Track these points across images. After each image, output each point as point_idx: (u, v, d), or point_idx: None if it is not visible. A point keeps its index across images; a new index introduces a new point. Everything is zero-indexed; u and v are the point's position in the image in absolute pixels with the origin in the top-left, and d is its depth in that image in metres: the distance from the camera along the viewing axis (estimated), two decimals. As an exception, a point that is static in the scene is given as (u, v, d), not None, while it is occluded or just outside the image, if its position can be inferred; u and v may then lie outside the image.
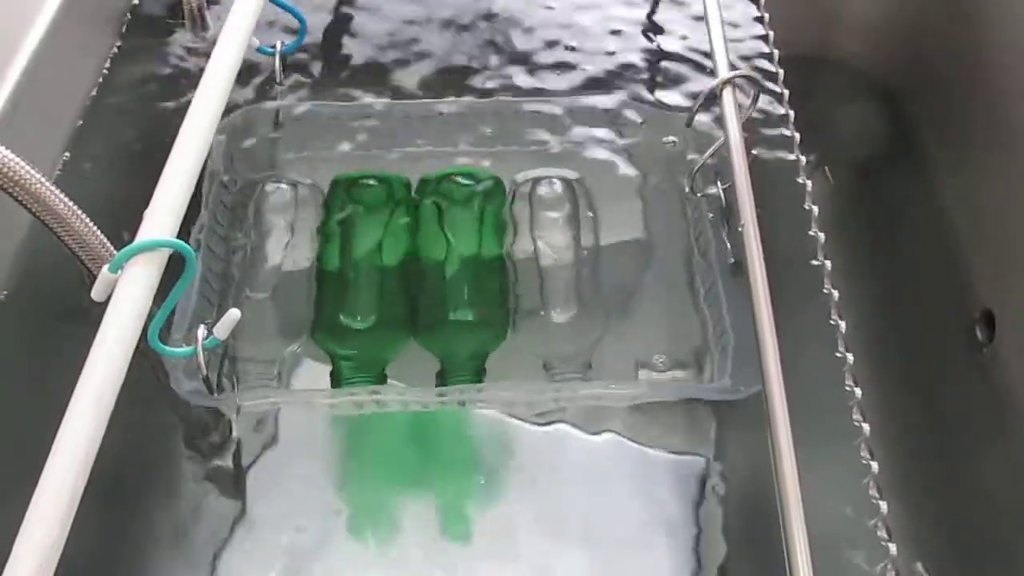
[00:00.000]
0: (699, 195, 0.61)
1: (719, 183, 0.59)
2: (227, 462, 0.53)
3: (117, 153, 0.67)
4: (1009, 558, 0.67)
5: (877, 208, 0.92)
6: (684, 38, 0.75)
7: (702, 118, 0.64)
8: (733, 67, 0.57)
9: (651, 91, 0.71)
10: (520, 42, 0.75)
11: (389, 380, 0.55)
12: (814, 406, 0.53)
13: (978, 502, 0.71)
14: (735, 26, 0.75)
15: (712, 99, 0.57)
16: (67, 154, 0.66)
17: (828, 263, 0.59)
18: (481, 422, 0.55)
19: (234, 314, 0.47)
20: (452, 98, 0.69)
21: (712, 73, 0.58)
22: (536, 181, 0.63)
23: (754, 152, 0.63)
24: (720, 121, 0.56)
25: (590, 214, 0.62)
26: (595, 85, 0.71)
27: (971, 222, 0.81)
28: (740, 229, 0.50)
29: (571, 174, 0.64)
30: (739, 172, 0.53)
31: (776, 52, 0.73)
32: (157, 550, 0.51)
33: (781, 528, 0.40)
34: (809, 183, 0.64)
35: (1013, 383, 0.72)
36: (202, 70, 0.49)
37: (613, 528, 0.51)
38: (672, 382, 0.55)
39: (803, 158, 0.66)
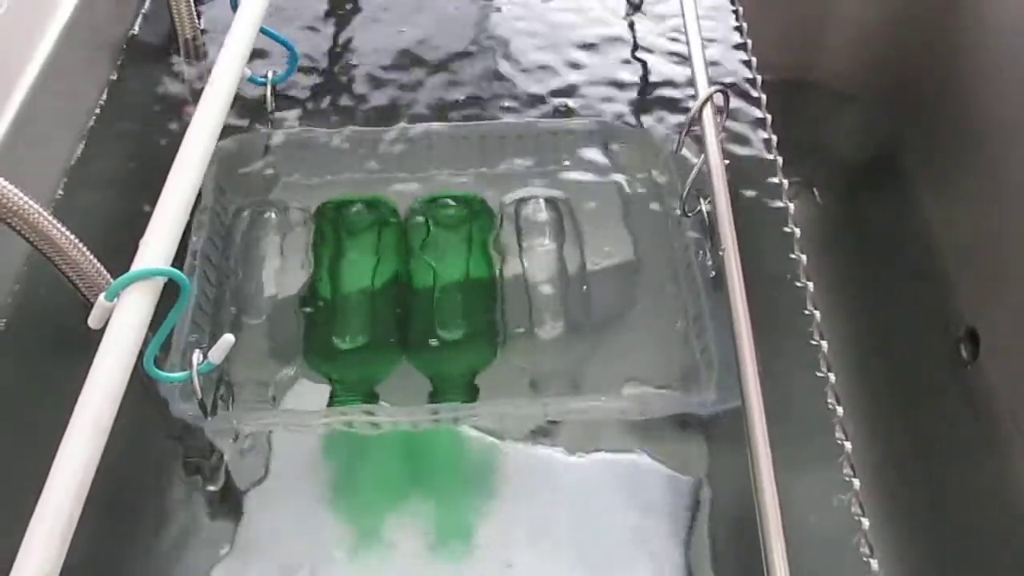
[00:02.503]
0: (691, 215, 0.62)
1: (702, 200, 0.60)
2: (222, 484, 0.54)
3: (114, 182, 0.68)
4: (993, 572, 0.67)
5: (863, 228, 0.94)
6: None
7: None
8: (713, 86, 0.59)
9: (636, 112, 0.72)
10: (509, 67, 0.76)
11: (381, 401, 0.56)
12: (797, 424, 0.54)
13: (961, 519, 0.72)
14: (718, 51, 0.76)
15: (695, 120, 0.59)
16: (65, 183, 0.67)
17: (811, 284, 0.60)
18: (472, 442, 0.55)
19: (228, 339, 0.48)
20: (440, 122, 0.70)
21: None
22: (522, 201, 0.64)
23: (737, 175, 0.64)
24: (700, 141, 0.58)
25: (575, 232, 0.63)
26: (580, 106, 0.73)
27: (955, 241, 0.82)
28: (721, 252, 0.51)
29: (557, 194, 0.65)
30: (719, 189, 0.54)
31: (759, 78, 0.74)
32: (154, 572, 0.51)
33: (760, 543, 0.40)
34: (791, 206, 0.65)
35: (997, 401, 0.73)
36: (197, 99, 0.50)
37: (604, 546, 0.52)
38: (659, 397, 0.56)
39: (786, 181, 0.67)
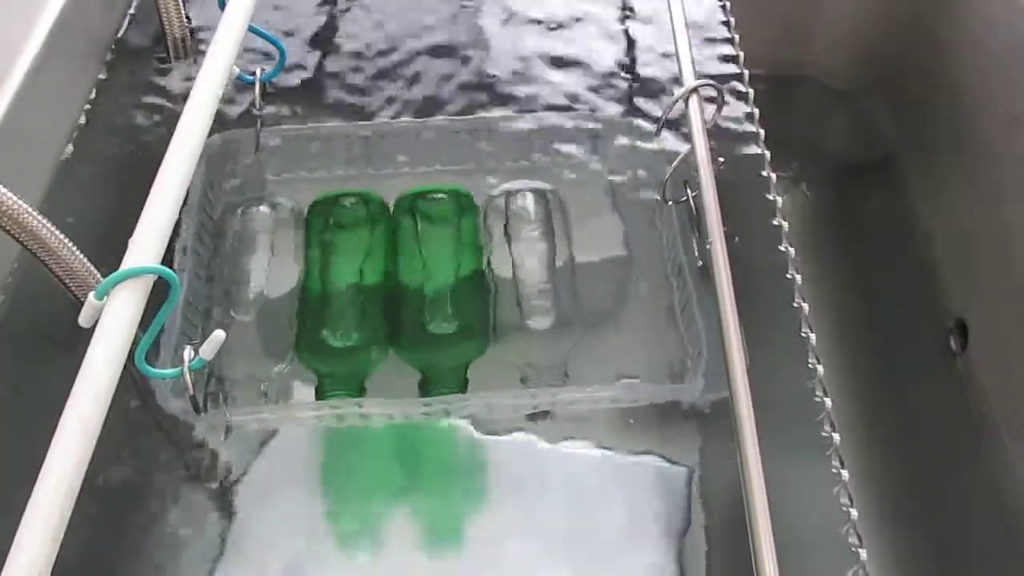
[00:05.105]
0: (670, 203, 0.62)
1: (688, 191, 0.61)
2: (215, 480, 0.54)
3: (103, 180, 0.68)
4: (981, 562, 0.68)
5: (852, 221, 0.94)
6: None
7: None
8: (699, 77, 0.59)
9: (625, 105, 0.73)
10: (495, 64, 0.76)
11: (372, 394, 0.56)
12: (786, 416, 0.55)
13: (950, 508, 0.72)
14: (707, 46, 0.76)
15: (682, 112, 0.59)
16: (54, 182, 0.67)
17: (799, 277, 0.61)
18: (465, 437, 0.56)
19: (219, 335, 0.48)
20: (428, 117, 0.70)
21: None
22: (510, 194, 0.64)
23: (726, 169, 0.65)
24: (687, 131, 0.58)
25: (563, 225, 0.63)
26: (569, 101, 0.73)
27: (944, 234, 0.83)
28: (708, 247, 0.51)
29: (546, 186, 0.65)
30: (705, 179, 0.54)
31: (747, 72, 0.74)
32: (147, 570, 0.51)
33: (748, 533, 0.41)
34: (780, 199, 0.65)
35: (986, 391, 0.73)
36: (185, 98, 0.51)
37: (596, 539, 0.52)
38: (648, 386, 0.56)
39: (773, 175, 0.67)
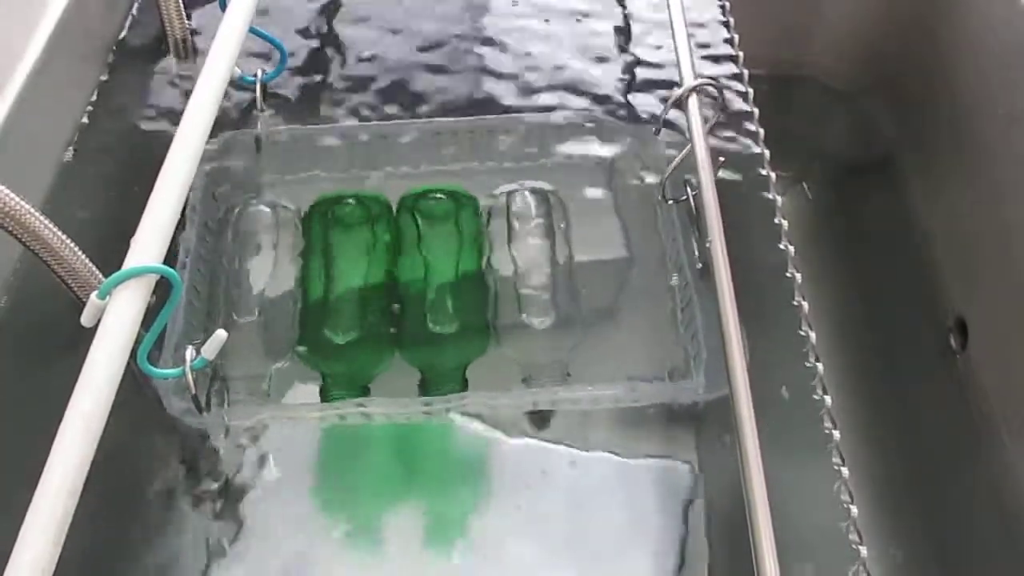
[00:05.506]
0: (670, 201, 0.62)
1: (688, 190, 0.61)
2: (216, 480, 0.54)
3: (105, 181, 0.68)
4: (981, 562, 0.68)
5: (853, 220, 0.94)
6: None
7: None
8: (699, 76, 0.59)
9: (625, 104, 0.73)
10: (497, 61, 0.77)
11: (373, 395, 0.56)
12: (786, 414, 0.55)
13: (950, 505, 0.72)
14: (705, 46, 0.76)
15: (679, 107, 0.59)
16: (56, 183, 0.67)
17: (799, 275, 0.61)
18: (466, 437, 0.56)
19: (221, 335, 0.48)
20: (429, 117, 0.70)
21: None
22: (511, 194, 0.65)
23: (726, 168, 0.65)
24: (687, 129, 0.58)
25: (564, 224, 0.63)
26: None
27: (944, 233, 0.83)
28: (708, 245, 0.51)
29: (546, 186, 0.66)
30: (705, 178, 0.54)
31: (746, 72, 0.74)
32: (147, 570, 0.51)
33: (749, 532, 0.41)
34: (779, 199, 0.65)
35: (986, 391, 0.74)
36: (187, 99, 0.51)
37: (598, 539, 0.52)
38: (649, 385, 0.56)
39: (773, 174, 0.67)
